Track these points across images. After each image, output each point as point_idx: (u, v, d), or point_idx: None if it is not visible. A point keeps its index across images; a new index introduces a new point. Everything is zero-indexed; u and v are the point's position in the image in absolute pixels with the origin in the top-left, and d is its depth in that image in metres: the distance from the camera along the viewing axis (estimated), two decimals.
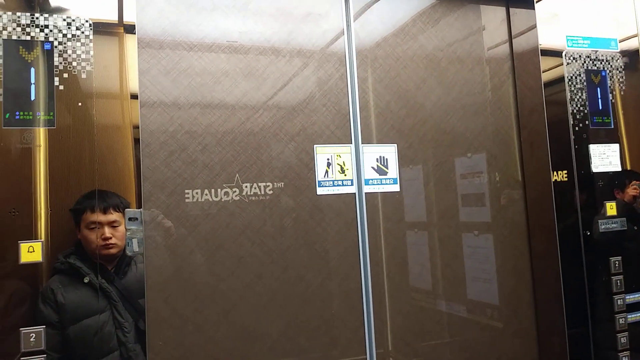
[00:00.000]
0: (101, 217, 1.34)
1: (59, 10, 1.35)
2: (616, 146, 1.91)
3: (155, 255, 1.47)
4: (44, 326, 1.28)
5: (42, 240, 1.29)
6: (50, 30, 1.34)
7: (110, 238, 1.35)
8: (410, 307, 1.77)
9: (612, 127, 1.92)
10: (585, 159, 1.86)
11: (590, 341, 1.79)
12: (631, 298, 1.85)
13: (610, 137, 1.91)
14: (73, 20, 1.36)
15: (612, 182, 1.90)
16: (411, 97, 1.83)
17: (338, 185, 1.70)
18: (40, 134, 1.31)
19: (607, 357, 1.81)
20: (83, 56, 1.36)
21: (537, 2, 1.88)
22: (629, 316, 1.84)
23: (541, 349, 1.89)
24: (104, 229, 1.35)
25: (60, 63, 1.34)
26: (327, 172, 1.69)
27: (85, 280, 1.33)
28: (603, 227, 1.84)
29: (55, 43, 1.34)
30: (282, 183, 1.64)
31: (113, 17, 1.41)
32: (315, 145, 1.69)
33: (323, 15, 1.75)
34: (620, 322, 1.82)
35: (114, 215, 1.36)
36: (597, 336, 1.80)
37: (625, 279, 1.84)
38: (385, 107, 1.79)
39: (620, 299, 1.83)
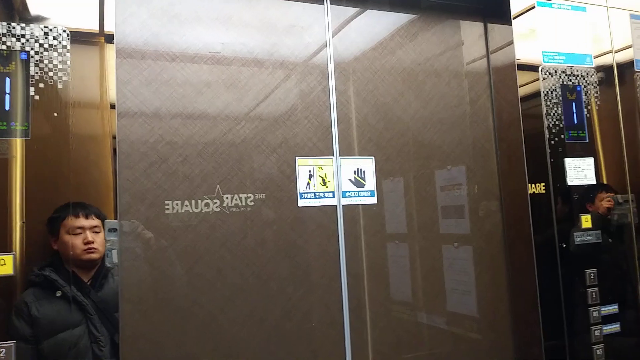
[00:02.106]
0: (84, 222, 1.34)
1: (39, 19, 1.33)
2: (591, 160, 1.95)
3: (133, 267, 1.46)
4: (14, 341, 1.24)
5: (15, 252, 1.26)
6: (27, 40, 1.32)
7: (93, 242, 1.34)
8: (390, 319, 1.78)
9: (587, 141, 1.96)
10: (561, 172, 1.89)
11: (567, 353, 1.82)
12: (606, 310, 1.88)
13: (586, 150, 1.95)
14: (50, 30, 1.34)
15: (587, 195, 1.94)
16: (389, 110, 1.85)
17: (320, 197, 1.70)
18: (16, 145, 1.28)
19: None
20: (60, 66, 1.34)
21: (514, 18, 1.93)
22: (604, 328, 1.87)
23: None
24: (87, 233, 1.34)
25: (37, 73, 1.31)
26: (308, 184, 1.69)
27: (58, 294, 1.30)
28: (578, 239, 1.88)
29: (32, 53, 1.32)
30: (264, 194, 1.63)
31: (94, 28, 1.40)
32: (297, 157, 1.69)
33: (306, 28, 1.76)
34: (596, 334, 1.85)
35: (95, 221, 1.35)
36: (573, 348, 1.82)
37: (600, 291, 1.87)
38: (363, 119, 1.81)
39: (595, 310, 1.86)
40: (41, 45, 1.33)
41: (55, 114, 1.33)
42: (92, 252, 1.35)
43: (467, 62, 2.00)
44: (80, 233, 1.33)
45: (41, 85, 1.32)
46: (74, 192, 1.32)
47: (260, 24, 1.70)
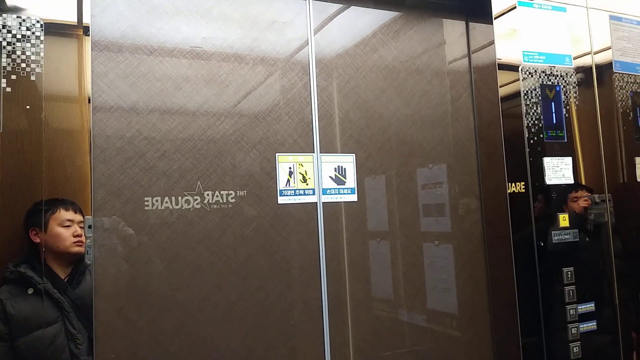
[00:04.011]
0: (74, 216, 1.35)
1: (15, 9, 1.30)
2: (569, 159, 1.97)
3: (109, 263, 1.43)
4: None
5: None
6: None
7: (81, 235, 1.36)
8: (371, 316, 1.78)
9: (566, 140, 1.98)
10: (540, 171, 1.91)
11: (544, 350, 1.83)
12: (583, 308, 1.90)
13: (564, 150, 1.97)
14: (23, 20, 1.31)
15: (565, 195, 1.96)
16: (370, 107, 1.85)
17: (300, 194, 1.69)
18: None
19: None
20: (33, 57, 1.31)
21: (495, 18, 1.94)
22: (581, 326, 1.89)
23: (497, 358, 1.93)
24: (76, 227, 1.35)
25: (8, 64, 1.29)
26: (288, 181, 1.68)
27: (30, 292, 1.27)
28: (556, 238, 1.90)
29: (4, 43, 1.29)
30: (244, 191, 1.62)
31: (72, 19, 1.37)
32: (277, 154, 1.68)
33: (288, 24, 1.75)
34: (573, 332, 1.87)
35: (80, 216, 1.36)
36: (550, 345, 1.84)
37: (577, 289, 1.89)
38: (345, 116, 1.80)
39: (572, 309, 1.88)
40: (14, 35, 1.30)
41: (28, 107, 1.30)
42: (81, 245, 1.36)
43: (448, 61, 2.01)
44: (70, 226, 1.34)
45: (13, 76, 1.29)
46: (49, 187, 1.30)
47: (241, 18, 1.69)
